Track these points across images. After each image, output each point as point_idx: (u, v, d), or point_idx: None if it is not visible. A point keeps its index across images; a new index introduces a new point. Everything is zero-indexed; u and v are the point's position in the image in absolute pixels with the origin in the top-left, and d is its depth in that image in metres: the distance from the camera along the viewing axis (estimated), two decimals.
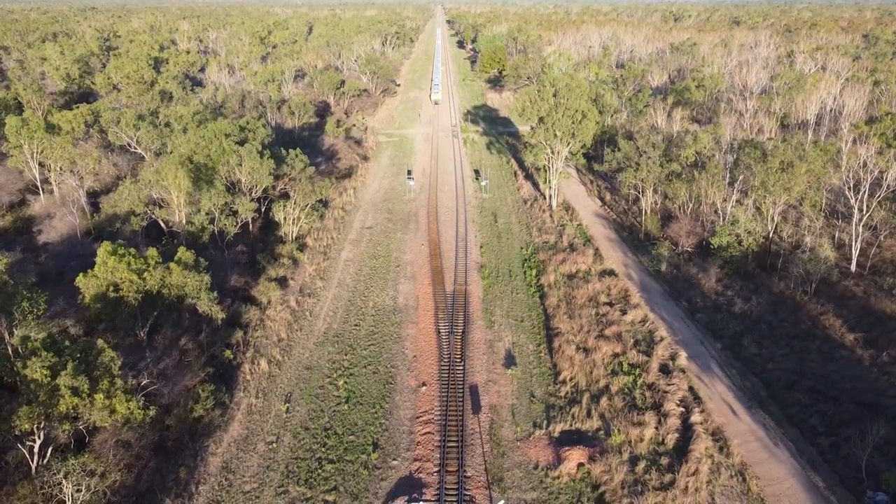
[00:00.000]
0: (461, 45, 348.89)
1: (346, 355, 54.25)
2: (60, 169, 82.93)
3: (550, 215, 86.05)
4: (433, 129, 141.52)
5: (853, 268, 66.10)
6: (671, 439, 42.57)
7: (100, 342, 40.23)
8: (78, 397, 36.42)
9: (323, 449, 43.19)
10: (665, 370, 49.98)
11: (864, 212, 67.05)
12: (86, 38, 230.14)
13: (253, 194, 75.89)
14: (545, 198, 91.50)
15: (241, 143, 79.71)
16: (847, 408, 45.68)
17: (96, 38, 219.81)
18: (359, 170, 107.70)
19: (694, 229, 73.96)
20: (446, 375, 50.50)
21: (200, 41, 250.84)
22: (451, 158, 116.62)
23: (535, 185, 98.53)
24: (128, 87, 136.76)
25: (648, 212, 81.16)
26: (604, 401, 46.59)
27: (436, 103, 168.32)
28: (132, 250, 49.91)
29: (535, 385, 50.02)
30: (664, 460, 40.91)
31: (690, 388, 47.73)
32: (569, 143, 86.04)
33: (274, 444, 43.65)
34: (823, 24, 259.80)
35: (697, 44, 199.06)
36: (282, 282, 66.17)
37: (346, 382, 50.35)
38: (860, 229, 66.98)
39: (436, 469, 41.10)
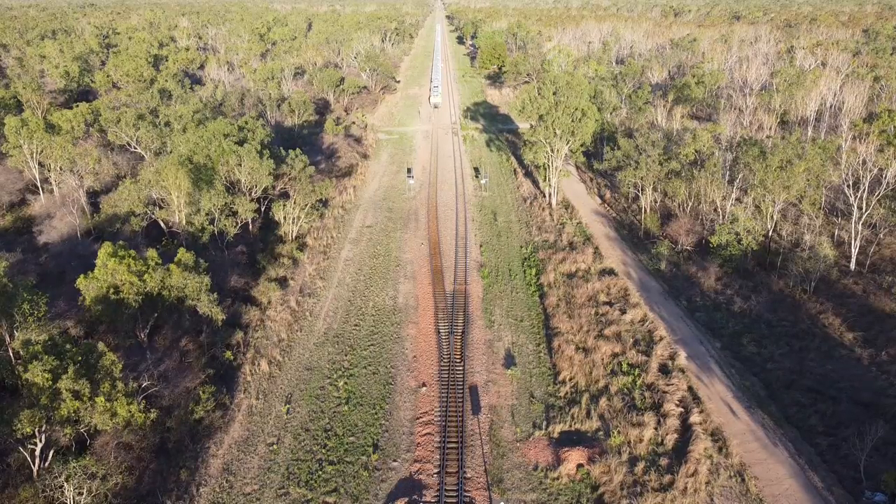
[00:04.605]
0: (461, 41, 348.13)
1: (346, 356, 54.40)
2: (60, 169, 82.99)
3: (550, 213, 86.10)
4: (433, 126, 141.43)
5: (852, 266, 66.17)
6: (670, 440, 42.71)
7: (101, 345, 40.41)
8: (79, 401, 36.61)
9: (323, 450, 43.36)
10: (664, 370, 50.08)
11: (864, 210, 67.09)
12: (85, 35, 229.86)
13: (253, 194, 75.96)
14: (545, 196, 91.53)
15: (241, 142, 79.75)
16: (846, 407, 45.82)
17: (95, 36, 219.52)
18: (358, 168, 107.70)
19: (693, 228, 74.01)
20: (446, 376, 50.63)
21: (200, 38, 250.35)
22: (450, 156, 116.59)
23: (535, 182, 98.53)
24: (127, 85, 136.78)
25: (648, 210, 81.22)
26: (603, 401, 46.72)
27: (435, 107, 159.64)
28: (132, 252, 50.02)
29: (534, 385, 50.16)
30: (663, 461, 41.05)
31: (690, 388, 47.82)
32: (568, 142, 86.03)
33: (274, 446, 43.81)
34: (824, 19, 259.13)
35: (697, 39, 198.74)
36: (282, 282, 66.28)
37: (346, 383, 50.51)
38: (859, 227, 67.04)
39: (436, 470, 41.27)
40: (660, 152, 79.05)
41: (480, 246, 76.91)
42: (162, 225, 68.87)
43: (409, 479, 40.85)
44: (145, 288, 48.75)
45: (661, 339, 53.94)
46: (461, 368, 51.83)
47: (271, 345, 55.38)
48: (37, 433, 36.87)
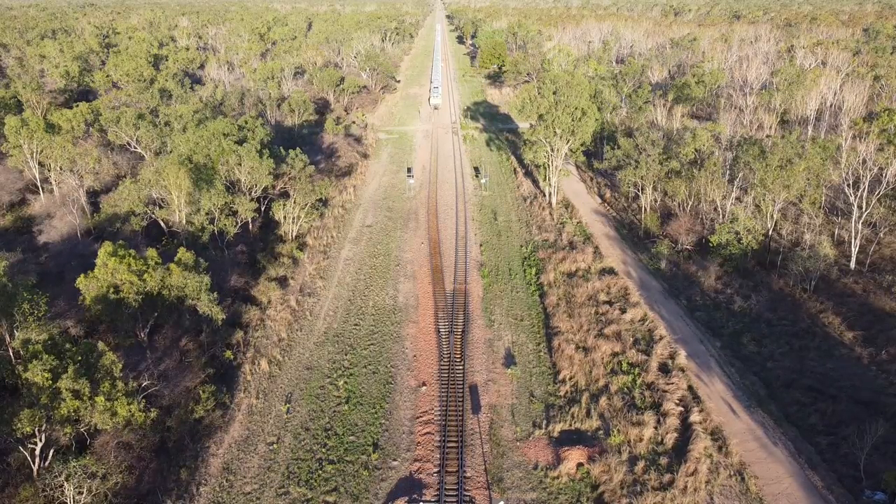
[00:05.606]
0: (461, 40, 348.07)
1: (346, 355, 54.40)
2: (60, 168, 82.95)
3: (550, 213, 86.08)
4: (433, 125, 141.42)
5: (853, 265, 66.15)
6: (670, 439, 42.71)
7: (101, 345, 40.42)
8: (79, 400, 36.61)
9: (323, 449, 43.38)
10: (664, 369, 50.08)
11: (864, 209, 67.06)
12: (85, 35, 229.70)
13: (252, 194, 75.95)
14: (545, 195, 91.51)
15: (241, 142, 79.75)
16: (846, 406, 45.80)
17: (95, 36, 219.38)
18: (358, 167, 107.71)
19: (693, 227, 73.99)
20: (446, 375, 50.64)
21: (200, 38, 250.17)
22: (450, 155, 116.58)
23: (535, 182, 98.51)
24: (127, 84, 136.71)
25: (648, 209, 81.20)
26: (603, 400, 46.71)
27: (435, 108, 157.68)
28: (132, 251, 50.03)
29: (534, 384, 50.16)
30: (663, 460, 41.07)
31: (689, 388, 47.82)
32: (568, 141, 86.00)
33: (274, 445, 43.83)
34: (824, 18, 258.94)
35: (697, 39, 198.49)
36: (282, 281, 66.29)
37: (346, 382, 50.52)
38: (860, 226, 67.01)
39: (436, 469, 41.28)
40: (660, 151, 79.04)
41: (480, 245, 76.91)
42: (162, 224, 68.88)
43: (409, 478, 40.87)
44: (145, 287, 48.76)
45: (661, 338, 53.94)
46: (461, 368, 51.84)
47: (271, 344, 55.40)
48: (37, 432, 36.87)
